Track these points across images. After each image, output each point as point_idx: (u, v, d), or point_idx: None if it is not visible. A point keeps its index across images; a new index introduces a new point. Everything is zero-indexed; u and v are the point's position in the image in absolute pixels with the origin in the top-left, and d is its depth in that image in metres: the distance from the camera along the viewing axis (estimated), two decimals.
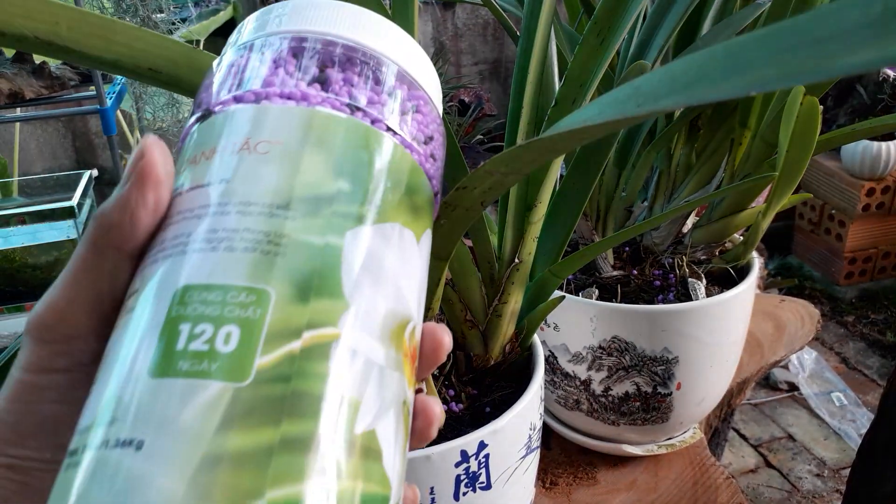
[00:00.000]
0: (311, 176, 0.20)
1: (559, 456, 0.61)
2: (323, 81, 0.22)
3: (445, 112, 0.69)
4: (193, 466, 0.16)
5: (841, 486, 1.29)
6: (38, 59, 1.08)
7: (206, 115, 0.22)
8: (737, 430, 1.44)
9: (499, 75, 2.45)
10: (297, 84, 0.22)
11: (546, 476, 0.59)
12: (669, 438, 0.60)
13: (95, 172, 1.17)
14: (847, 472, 1.33)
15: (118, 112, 1.23)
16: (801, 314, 0.80)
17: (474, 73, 2.43)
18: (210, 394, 0.17)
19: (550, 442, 0.62)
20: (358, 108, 0.22)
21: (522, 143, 0.24)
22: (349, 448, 0.18)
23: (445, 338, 0.23)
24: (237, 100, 0.22)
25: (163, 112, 1.08)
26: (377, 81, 0.23)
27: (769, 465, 1.36)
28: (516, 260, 0.43)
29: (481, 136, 0.64)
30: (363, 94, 0.23)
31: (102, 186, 2.05)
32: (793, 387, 1.57)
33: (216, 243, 0.19)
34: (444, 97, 0.72)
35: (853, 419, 1.47)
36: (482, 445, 0.39)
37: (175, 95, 1.15)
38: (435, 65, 0.75)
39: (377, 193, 0.21)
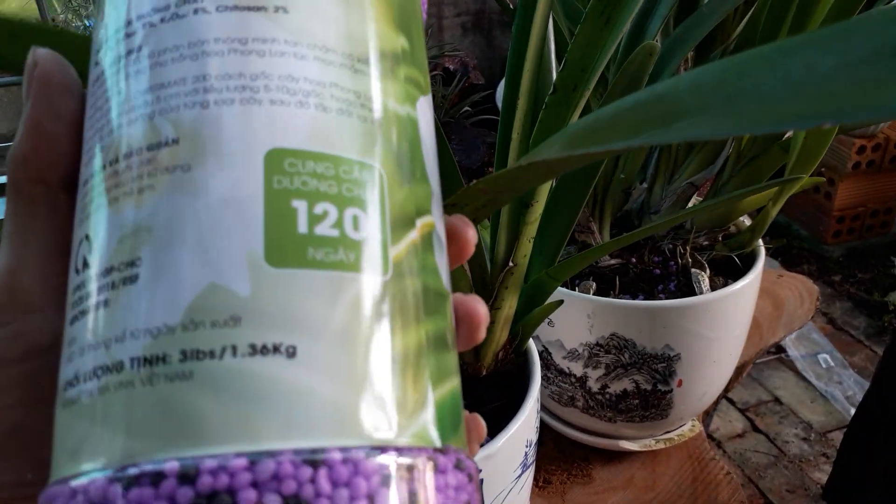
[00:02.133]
0: (382, 26, 0.16)
1: (553, 451, 0.58)
2: None
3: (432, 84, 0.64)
4: (360, 376, 0.13)
5: (827, 450, 1.30)
6: None
7: None
8: (724, 395, 1.44)
9: (482, 27, 2.36)
10: None
11: (539, 474, 0.56)
12: (667, 432, 0.58)
13: None
14: (833, 435, 1.33)
15: None
16: (800, 291, 0.77)
17: (456, 24, 2.34)
18: (359, 289, 0.14)
19: (543, 437, 0.59)
20: None
21: (522, 162, 0.20)
22: (454, 347, 0.17)
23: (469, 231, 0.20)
24: None
25: None
26: None
27: (756, 429, 1.36)
28: (510, 263, 0.39)
29: (468, 108, 0.60)
30: None
31: None
32: (779, 349, 1.56)
33: (303, 97, 0.15)
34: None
35: (839, 381, 1.46)
36: None
37: None
38: None
39: (422, 55, 0.18)
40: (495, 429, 0.37)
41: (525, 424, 0.38)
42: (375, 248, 0.15)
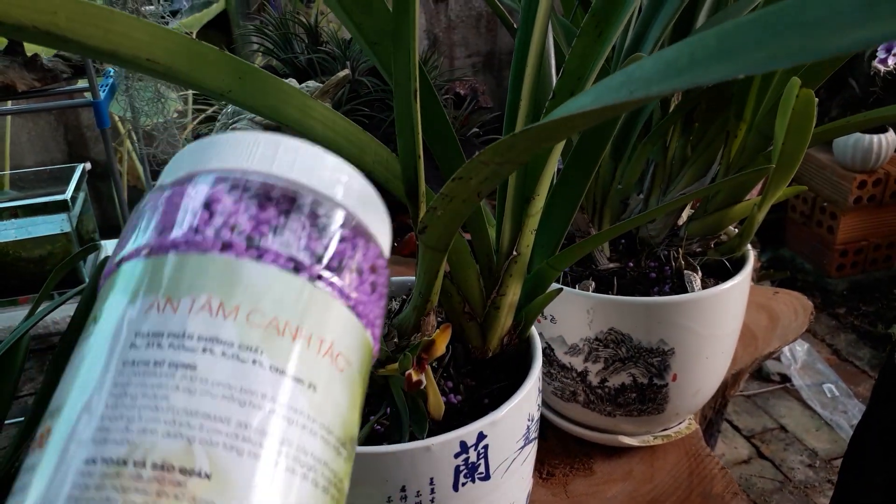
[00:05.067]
0: (357, 413, 0.20)
1: (555, 446, 0.61)
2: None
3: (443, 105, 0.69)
4: None
5: (833, 477, 1.31)
6: (29, 50, 1.07)
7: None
8: (730, 422, 1.45)
9: (492, 67, 2.45)
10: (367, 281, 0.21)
11: (542, 467, 0.59)
12: (665, 429, 0.61)
13: (89, 166, 1.17)
14: (839, 462, 1.34)
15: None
16: (795, 306, 0.81)
17: (468, 65, 2.42)
18: None
19: (547, 432, 0.63)
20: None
21: (517, 131, 0.24)
22: None
23: None
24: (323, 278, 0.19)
25: (148, 106, 1.07)
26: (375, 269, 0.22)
27: (762, 455, 1.37)
28: (514, 252, 0.43)
29: (477, 129, 0.65)
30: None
31: (95, 180, 2.05)
32: (785, 378, 1.58)
33: (306, 470, 0.17)
34: (439, 90, 0.72)
35: (844, 410, 1.48)
36: (481, 436, 0.39)
37: (161, 90, 1.14)
38: (429, 58, 0.75)
39: None
40: (500, 405, 0.41)
41: (527, 398, 0.41)
42: None
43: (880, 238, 1.91)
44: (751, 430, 1.44)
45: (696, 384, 0.56)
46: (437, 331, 0.40)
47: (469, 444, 0.39)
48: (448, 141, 0.40)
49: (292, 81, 0.59)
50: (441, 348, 0.40)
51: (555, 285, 0.47)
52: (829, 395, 1.52)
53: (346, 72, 0.54)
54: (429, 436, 0.38)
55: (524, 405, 0.41)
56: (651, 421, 0.58)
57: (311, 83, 0.57)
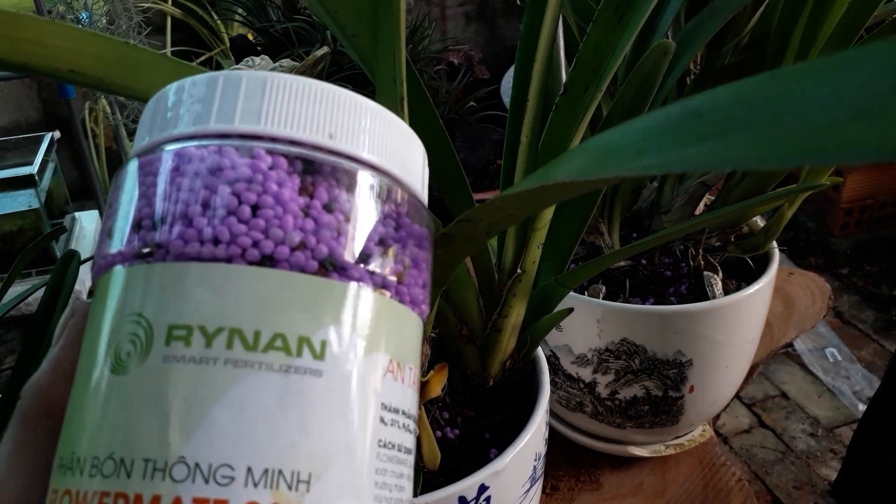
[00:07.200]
0: None
1: (560, 456, 0.57)
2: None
3: (433, 79, 0.63)
4: None
5: (834, 446, 1.28)
6: None
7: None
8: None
9: (486, 17, 2.34)
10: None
11: (546, 480, 0.55)
12: (677, 437, 0.56)
13: (58, 134, 1.10)
14: (841, 430, 1.32)
15: None
16: (812, 289, 0.76)
17: (460, 14, 2.31)
18: None
19: (551, 442, 0.58)
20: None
21: (547, 182, 0.18)
22: None
23: None
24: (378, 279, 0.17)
25: None
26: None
27: (763, 424, 1.35)
28: (519, 270, 0.38)
29: (473, 104, 0.58)
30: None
31: (72, 139, 1.97)
32: (786, 342, 1.54)
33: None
34: (431, 61, 0.65)
35: (847, 376, 1.45)
36: (483, 489, 0.34)
37: None
38: (418, 25, 0.68)
39: None
40: (504, 441, 0.36)
41: (534, 438, 0.37)
42: None
43: (887, 196, 1.86)
44: (752, 397, 1.41)
45: (714, 394, 0.52)
46: (432, 371, 0.35)
47: (469, 499, 0.34)
48: (448, 166, 0.34)
49: (265, 59, 0.52)
50: (436, 390, 0.35)
51: (571, 294, 0.42)
52: (831, 360, 1.49)
53: (325, 49, 0.48)
54: (423, 487, 0.34)
55: (530, 446, 0.36)
56: (664, 431, 0.53)
57: (286, 62, 0.50)
